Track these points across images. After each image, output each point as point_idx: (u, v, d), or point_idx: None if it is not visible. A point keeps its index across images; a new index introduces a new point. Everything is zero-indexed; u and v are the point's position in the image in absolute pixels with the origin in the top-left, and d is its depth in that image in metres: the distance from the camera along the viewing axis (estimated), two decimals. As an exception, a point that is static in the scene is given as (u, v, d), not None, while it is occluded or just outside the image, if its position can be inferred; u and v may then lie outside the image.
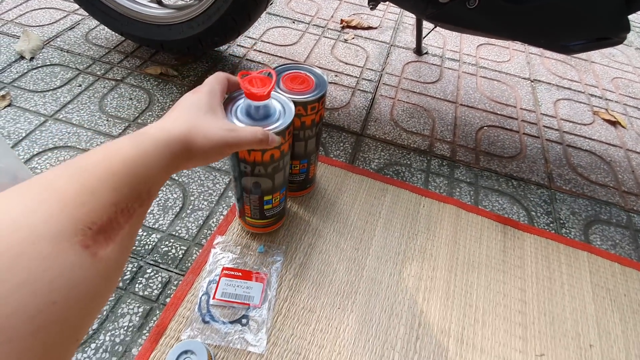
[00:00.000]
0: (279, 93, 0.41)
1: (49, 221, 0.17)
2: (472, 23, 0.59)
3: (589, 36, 0.62)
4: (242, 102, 0.38)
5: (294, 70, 0.46)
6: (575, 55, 1.05)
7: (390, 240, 0.56)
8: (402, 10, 1.11)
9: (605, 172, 0.73)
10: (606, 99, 0.92)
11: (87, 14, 0.88)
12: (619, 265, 0.58)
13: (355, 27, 1.00)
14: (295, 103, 0.41)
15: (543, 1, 0.54)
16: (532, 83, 0.92)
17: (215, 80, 0.34)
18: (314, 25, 0.99)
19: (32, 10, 0.89)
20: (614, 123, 0.86)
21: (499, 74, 0.93)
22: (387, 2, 0.62)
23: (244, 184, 0.43)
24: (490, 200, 0.65)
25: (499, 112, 0.82)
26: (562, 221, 0.63)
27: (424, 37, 0.94)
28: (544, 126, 0.81)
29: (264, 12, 0.91)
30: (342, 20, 1.01)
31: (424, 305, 0.50)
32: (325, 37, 0.96)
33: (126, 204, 0.21)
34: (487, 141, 0.75)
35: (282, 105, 0.39)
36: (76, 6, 0.92)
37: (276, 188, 0.45)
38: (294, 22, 0.99)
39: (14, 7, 0.89)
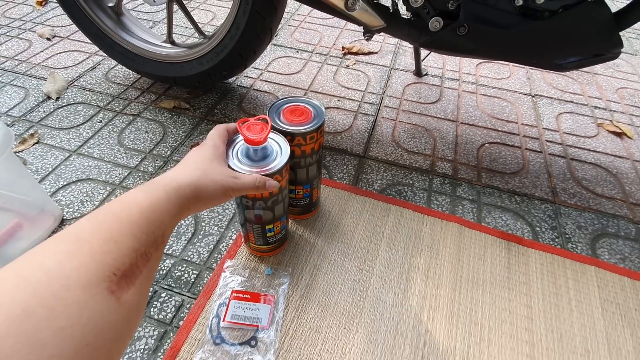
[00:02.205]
0: (276, 133, 0.45)
1: (80, 270, 0.20)
2: (464, 48, 0.62)
3: (582, 54, 0.64)
4: (241, 145, 0.42)
5: (293, 103, 0.50)
6: (576, 68, 1.06)
7: (394, 259, 0.58)
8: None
9: (612, 185, 0.73)
10: (611, 110, 0.92)
11: (107, 56, 0.96)
12: (628, 279, 0.58)
13: (356, 53, 1.04)
14: (296, 134, 0.45)
15: (530, 25, 0.57)
16: (533, 98, 0.94)
17: (217, 134, 0.39)
18: (316, 53, 1.04)
19: (58, 53, 0.98)
20: (620, 134, 0.86)
21: (499, 90, 0.95)
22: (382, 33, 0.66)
23: (246, 215, 0.47)
24: (494, 216, 0.65)
25: (500, 129, 0.84)
26: (567, 236, 0.63)
27: (423, 60, 0.97)
28: (546, 141, 0.82)
29: (269, 45, 0.96)
30: (343, 48, 1.05)
31: (428, 324, 0.51)
32: (328, 64, 1.00)
33: (145, 249, 0.24)
34: (489, 158, 0.77)
35: (279, 145, 0.43)
36: (97, 48, 1.00)
37: (277, 218, 0.48)
38: (297, 52, 1.04)
39: (41, 51, 0.98)
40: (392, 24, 0.62)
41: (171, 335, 0.49)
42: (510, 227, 0.64)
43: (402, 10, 0.63)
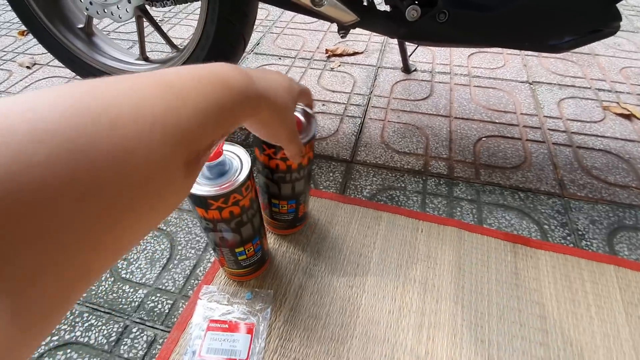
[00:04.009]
0: (234, 145, 0.40)
1: (179, 124, 0.17)
2: (447, 36, 0.58)
3: (578, 31, 0.58)
4: None
5: None
6: (576, 50, 1.00)
7: (387, 273, 0.52)
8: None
9: (625, 172, 0.67)
10: (616, 92, 0.86)
11: (82, 79, 0.94)
12: (654, 277, 0.51)
13: (340, 55, 1.00)
14: (279, 147, 0.40)
15: (514, 4, 0.52)
16: (531, 85, 0.88)
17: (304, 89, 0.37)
18: (300, 58, 1.01)
19: (37, 80, 0.96)
20: (628, 116, 0.79)
21: (494, 80, 0.90)
22: (359, 29, 0.61)
23: (211, 238, 0.42)
24: (496, 216, 0.59)
25: (497, 121, 0.78)
26: (580, 232, 0.57)
27: (410, 55, 0.92)
28: (548, 129, 0.76)
29: (244, 53, 0.93)
30: (327, 50, 1.01)
31: (428, 345, 0.45)
32: (312, 68, 0.96)
33: (223, 132, 0.21)
34: (487, 153, 0.71)
35: (239, 159, 0.38)
36: (76, 72, 0.98)
37: (245, 240, 0.43)
38: (280, 58, 1.01)
39: (20, 80, 0.96)
40: (367, 17, 0.57)
41: (142, 375, 0.44)
42: (515, 228, 0.58)
43: (378, 3, 0.59)
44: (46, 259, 0.12)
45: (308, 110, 0.43)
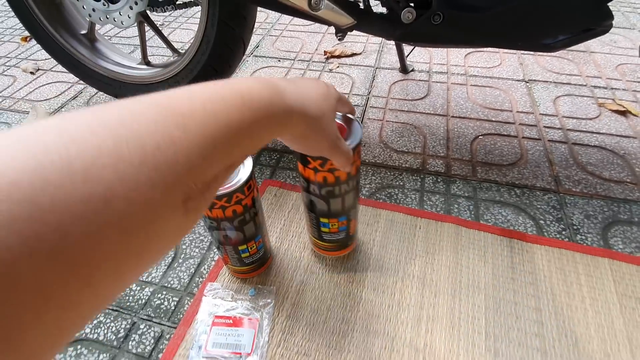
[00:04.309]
0: None
1: (169, 165, 0.15)
2: (442, 38, 0.59)
3: (570, 30, 0.59)
4: None
5: None
6: (572, 48, 1.01)
7: (386, 268, 0.54)
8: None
9: (620, 167, 0.68)
10: (612, 89, 0.87)
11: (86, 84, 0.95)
12: (648, 269, 0.52)
13: (339, 56, 1.02)
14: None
15: (506, 5, 0.53)
16: (527, 84, 0.89)
17: (340, 96, 0.34)
18: (299, 60, 1.02)
19: (41, 86, 0.98)
20: (624, 112, 0.80)
21: (490, 79, 0.91)
22: (356, 31, 0.63)
23: (215, 236, 0.43)
24: (493, 213, 0.61)
25: (493, 119, 0.80)
26: (575, 227, 0.58)
27: (407, 55, 0.94)
28: (544, 127, 0.77)
29: (244, 56, 0.95)
30: (325, 52, 1.03)
31: (427, 338, 0.46)
32: (311, 69, 0.98)
33: (236, 159, 0.19)
34: (484, 151, 0.72)
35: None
36: (80, 77, 1.00)
37: (248, 238, 0.44)
38: (279, 61, 1.02)
39: (25, 86, 0.98)
40: (363, 20, 0.59)
41: (150, 370, 0.45)
42: (511, 223, 0.59)
43: (374, 6, 0.61)
44: (9, 324, 0.11)
45: (350, 116, 0.40)
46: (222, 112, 0.18)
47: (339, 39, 0.61)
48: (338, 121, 0.40)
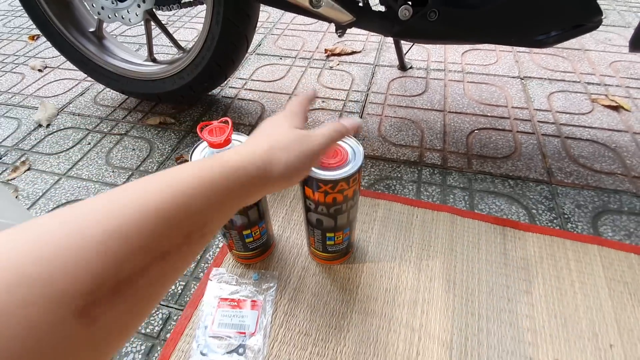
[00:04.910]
0: (240, 134, 0.44)
1: (52, 278, 0.15)
2: (438, 34, 0.61)
3: (561, 26, 0.62)
4: (206, 151, 0.41)
5: None
6: (566, 46, 1.04)
7: (384, 254, 0.56)
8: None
9: (611, 160, 0.70)
10: (605, 85, 0.89)
11: (93, 80, 0.98)
12: (636, 255, 0.54)
13: (339, 54, 1.04)
14: (338, 180, 0.39)
15: (497, 3, 0.55)
16: (523, 80, 0.92)
17: (295, 100, 0.35)
18: (300, 58, 1.05)
19: (49, 83, 1.00)
20: (616, 108, 0.82)
21: (486, 76, 0.93)
22: (356, 29, 0.65)
23: None
24: (487, 202, 0.63)
25: (489, 114, 0.82)
26: (566, 216, 0.61)
27: (406, 53, 0.96)
28: (538, 121, 0.79)
29: (247, 53, 0.97)
30: (326, 50, 1.05)
31: (423, 319, 0.49)
32: (312, 67, 1.00)
33: (165, 247, 0.18)
34: (479, 144, 0.75)
35: None
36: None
37: (252, 223, 0.47)
38: (281, 59, 1.05)
39: (33, 83, 1.00)
40: (362, 17, 0.61)
41: (158, 348, 0.48)
42: (504, 212, 0.61)
43: (374, 5, 0.63)
44: None
45: (352, 140, 0.43)
46: (158, 200, 0.19)
47: (339, 36, 0.64)
48: (341, 144, 0.42)
